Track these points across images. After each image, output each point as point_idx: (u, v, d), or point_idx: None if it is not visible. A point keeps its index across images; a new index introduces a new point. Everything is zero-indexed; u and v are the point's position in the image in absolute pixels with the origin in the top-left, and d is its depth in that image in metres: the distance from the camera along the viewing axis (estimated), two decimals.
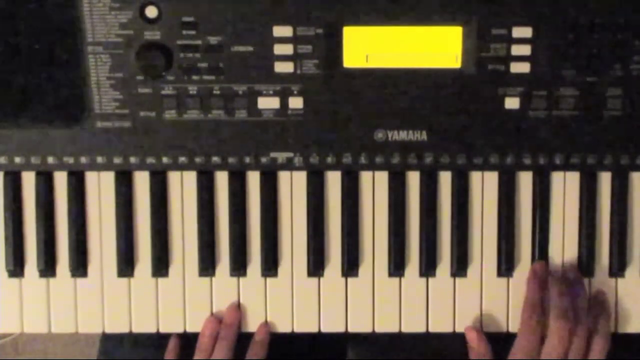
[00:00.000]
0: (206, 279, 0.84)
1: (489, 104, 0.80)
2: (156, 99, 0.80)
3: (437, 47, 0.79)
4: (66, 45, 0.79)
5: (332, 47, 0.79)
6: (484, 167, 0.82)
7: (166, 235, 0.83)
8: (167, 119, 0.81)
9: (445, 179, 0.83)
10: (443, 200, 0.83)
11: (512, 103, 0.80)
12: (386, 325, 0.84)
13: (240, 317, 0.83)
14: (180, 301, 0.84)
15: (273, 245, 0.83)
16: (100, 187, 0.83)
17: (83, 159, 0.82)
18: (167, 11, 0.78)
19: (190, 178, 0.83)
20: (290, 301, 0.84)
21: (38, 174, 0.82)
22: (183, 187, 0.83)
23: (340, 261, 0.83)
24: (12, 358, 1.58)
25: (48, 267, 0.83)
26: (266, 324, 0.83)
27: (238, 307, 0.83)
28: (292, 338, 0.84)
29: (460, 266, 0.83)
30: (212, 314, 0.83)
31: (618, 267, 0.83)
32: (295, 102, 0.80)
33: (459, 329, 0.83)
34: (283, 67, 0.80)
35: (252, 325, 0.84)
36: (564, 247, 0.83)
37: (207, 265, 0.83)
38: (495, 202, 0.83)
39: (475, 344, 0.82)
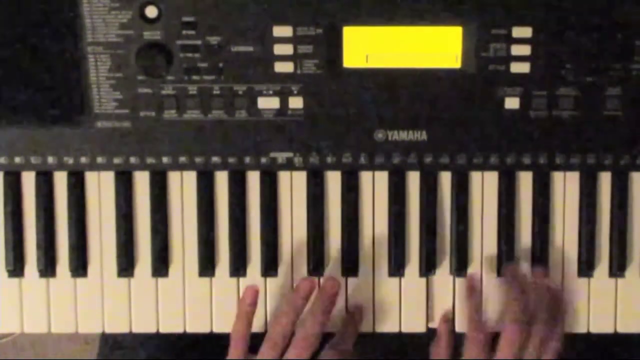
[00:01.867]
0: (206, 279, 0.84)
1: (489, 104, 0.80)
2: (156, 99, 0.80)
3: (437, 47, 0.79)
4: (66, 45, 0.79)
5: (332, 47, 0.79)
6: (484, 167, 0.82)
7: (166, 235, 0.83)
8: (167, 119, 0.81)
9: (445, 179, 0.83)
10: (443, 200, 0.83)
11: (512, 103, 0.80)
12: (386, 325, 0.84)
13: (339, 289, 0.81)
14: (180, 301, 0.84)
15: (273, 245, 0.83)
16: (100, 187, 0.83)
17: (83, 159, 0.82)
18: (167, 11, 0.78)
19: (190, 178, 0.83)
20: None
21: (38, 174, 0.82)
22: (183, 187, 0.83)
23: (340, 261, 0.83)
24: (12, 358, 1.58)
25: (48, 267, 0.83)
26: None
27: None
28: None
29: (460, 266, 0.83)
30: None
31: (618, 267, 0.83)
32: (295, 102, 0.80)
33: (459, 329, 0.83)
34: (283, 67, 0.80)
35: (253, 325, 0.84)
36: (564, 247, 0.83)
37: (207, 265, 0.83)
38: (495, 202, 0.83)
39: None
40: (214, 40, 0.79)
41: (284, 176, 0.83)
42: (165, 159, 0.82)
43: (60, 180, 0.83)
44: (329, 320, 0.80)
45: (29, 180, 0.83)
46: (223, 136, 0.81)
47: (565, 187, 0.83)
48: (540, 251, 0.83)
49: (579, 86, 0.80)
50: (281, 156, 0.82)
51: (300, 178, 0.83)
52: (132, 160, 0.82)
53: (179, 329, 0.84)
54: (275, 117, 0.81)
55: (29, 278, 0.84)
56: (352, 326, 0.82)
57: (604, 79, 0.79)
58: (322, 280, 0.83)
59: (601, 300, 0.84)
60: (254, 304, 0.81)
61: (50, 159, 0.82)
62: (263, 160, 0.82)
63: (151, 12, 0.78)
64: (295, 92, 0.80)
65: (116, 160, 0.82)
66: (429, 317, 0.84)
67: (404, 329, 0.84)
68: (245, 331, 0.80)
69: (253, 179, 0.83)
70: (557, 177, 0.83)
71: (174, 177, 0.83)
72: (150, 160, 0.82)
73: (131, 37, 0.79)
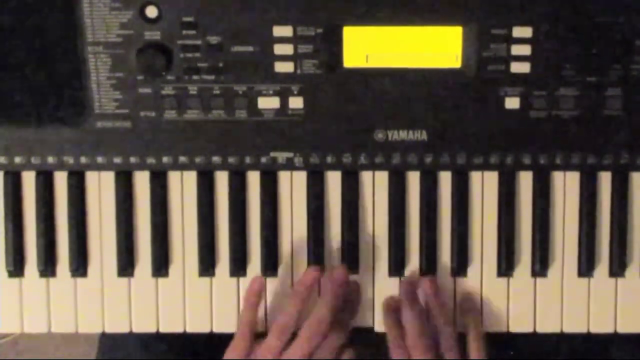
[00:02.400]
0: (206, 279, 0.84)
1: (489, 104, 0.80)
2: (156, 99, 0.80)
3: (437, 47, 0.79)
4: (66, 45, 0.79)
5: (332, 47, 0.79)
6: (484, 167, 0.82)
7: (166, 235, 0.83)
8: (167, 119, 0.81)
9: (445, 179, 0.83)
10: (443, 200, 0.83)
11: (512, 103, 0.80)
12: None
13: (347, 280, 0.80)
14: (180, 301, 0.84)
15: (273, 245, 0.83)
16: (100, 187, 0.83)
17: (83, 159, 0.82)
18: (167, 11, 0.78)
19: (190, 178, 0.83)
20: None
21: (38, 174, 0.82)
22: (183, 187, 0.83)
23: (340, 261, 0.83)
24: (12, 358, 1.58)
25: (48, 267, 0.83)
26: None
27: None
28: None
29: (460, 266, 0.83)
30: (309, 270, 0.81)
31: (618, 267, 0.83)
32: (295, 102, 0.80)
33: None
34: (283, 67, 0.80)
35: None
36: (564, 247, 0.83)
37: (207, 265, 0.83)
38: (495, 202, 0.83)
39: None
40: (214, 40, 0.79)
41: (284, 176, 0.83)
42: (165, 159, 0.82)
43: (60, 180, 0.83)
44: (339, 307, 0.79)
45: (29, 180, 0.83)
46: (223, 136, 0.81)
47: (565, 187, 0.83)
48: (540, 251, 0.83)
49: (579, 86, 0.80)
50: (281, 156, 0.82)
51: (300, 178, 0.83)
52: (132, 160, 0.82)
53: (179, 329, 0.84)
54: (275, 117, 0.81)
55: (29, 278, 0.84)
56: (348, 312, 0.82)
57: (604, 79, 0.79)
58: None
59: (601, 300, 0.84)
60: (259, 293, 0.82)
61: (50, 159, 0.82)
62: (263, 160, 0.82)
63: (151, 12, 0.78)
64: (295, 92, 0.80)
65: (116, 160, 0.82)
66: None
67: None
68: (252, 319, 0.81)
69: (253, 179, 0.83)
70: (557, 177, 0.83)
71: (174, 177, 0.83)
72: (150, 160, 0.82)
73: (131, 37, 0.79)
